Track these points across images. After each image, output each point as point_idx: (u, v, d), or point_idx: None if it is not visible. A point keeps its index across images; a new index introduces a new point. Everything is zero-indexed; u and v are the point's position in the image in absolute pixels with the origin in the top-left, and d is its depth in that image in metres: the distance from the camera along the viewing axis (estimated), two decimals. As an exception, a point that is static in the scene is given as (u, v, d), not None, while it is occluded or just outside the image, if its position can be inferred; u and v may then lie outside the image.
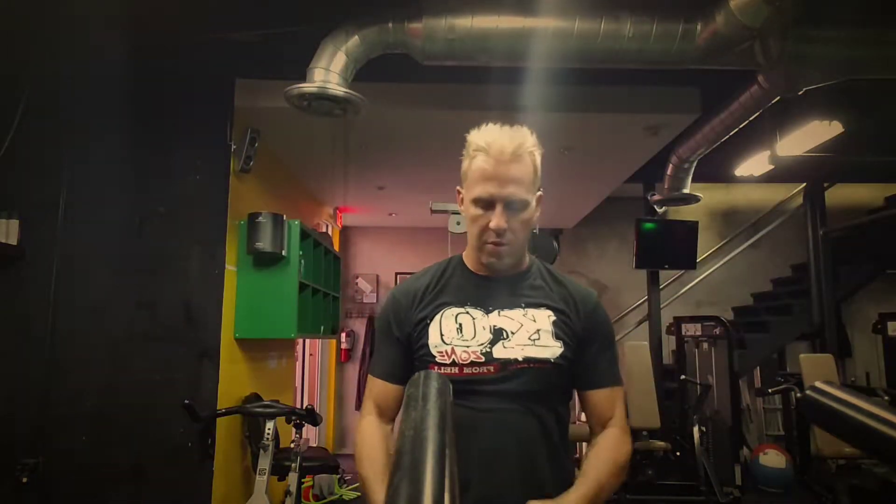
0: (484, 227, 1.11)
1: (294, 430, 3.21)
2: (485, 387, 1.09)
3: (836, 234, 5.35)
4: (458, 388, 0.99)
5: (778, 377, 5.20)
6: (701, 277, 6.23)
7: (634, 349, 4.73)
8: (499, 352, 1.10)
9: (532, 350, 1.10)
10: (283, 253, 3.31)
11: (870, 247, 5.54)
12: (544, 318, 1.14)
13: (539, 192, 1.16)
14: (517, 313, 1.14)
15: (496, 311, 1.14)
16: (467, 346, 1.11)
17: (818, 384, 0.55)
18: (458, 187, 1.21)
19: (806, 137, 3.93)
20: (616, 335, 6.23)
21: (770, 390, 4.33)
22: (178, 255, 3.04)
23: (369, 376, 1.25)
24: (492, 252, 1.13)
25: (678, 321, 5.27)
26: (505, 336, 1.12)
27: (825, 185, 5.49)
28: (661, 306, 5.48)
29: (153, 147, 3.11)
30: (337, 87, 2.50)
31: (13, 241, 2.92)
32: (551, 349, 1.11)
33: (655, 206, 4.89)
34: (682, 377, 4.81)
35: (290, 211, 3.91)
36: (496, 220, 1.08)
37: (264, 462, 2.70)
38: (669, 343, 5.52)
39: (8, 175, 2.97)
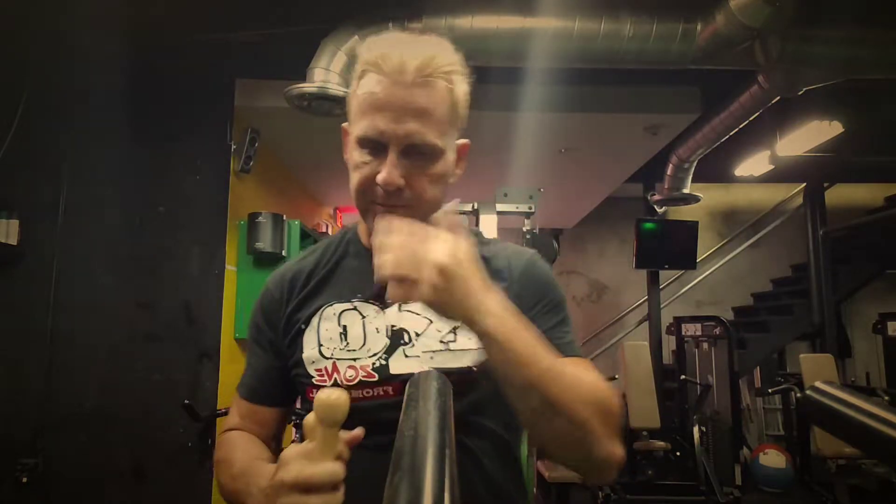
0: (369, 180, 0.76)
1: (294, 430, 3.20)
2: (382, 415, 0.72)
3: (836, 234, 5.35)
4: (344, 423, 0.68)
5: (778, 377, 5.20)
6: (701, 277, 6.23)
7: (634, 349, 4.74)
8: (398, 364, 0.79)
9: (444, 358, 0.79)
10: (283, 253, 3.31)
11: (870, 247, 5.54)
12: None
13: (462, 140, 0.83)
14: (423, 306, 0.75)
15: (396, 306, 0.82)
16: (354, 360, 0.80)
17: (818, 384, 0.55)
18: (343, 125, 0.85)
19: (806, 137, 3.93)
20: (616, 335, 6.27)
21: (770, 390, 4.33)
22: (178, 255, 3.04)
23: (234, 394, 0.94)
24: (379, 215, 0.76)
25: (678, 321, 5.27)
26: (406, 340, 0.81)
27: (825, 185, 5.49)
28: (661, 306, 5.49)
29: (153, 147, 3.11)
30: (337, 87, 2.51)
31: (13, 241, 2.91)
32: (472, 353, 0.79)
33: (655, 206, 4.89)
34: (682, 377, 4.81)
35: (290, 211, 3.91)
36: (385, 171, 0.73)
37: (264, 462, 2.70)
38: (669, 343, 5.52)
39: (8, 175, 2.97)
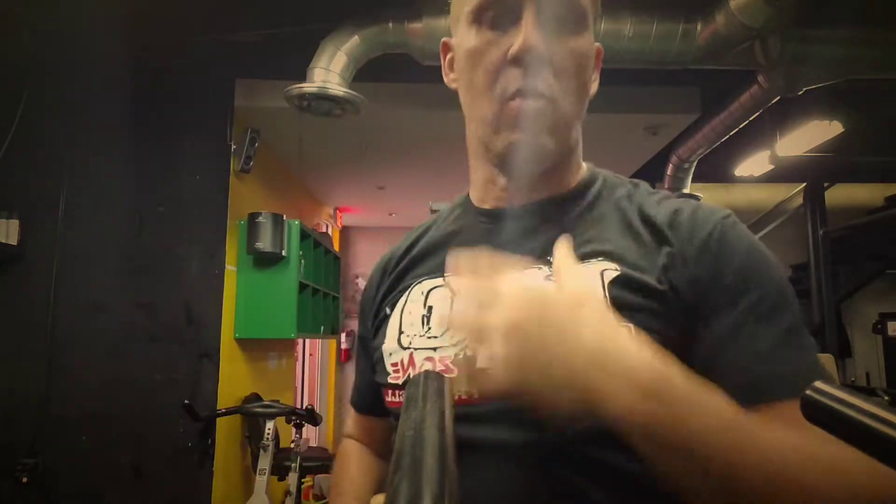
0: (499, 61, 0.58)
1: (294, 430, 3.21)
2: (473, 432, 0.54)
3: (836, 234, 5.35)
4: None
5: (778, 377, 5.19)
6: (701, 277, 6.22)
7: (634, 349, 4.72)
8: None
9: None
10: (283, 253, 3.31)
11: (870, 247, 5.54)
12: (591, 276, 0.57)
13: (598, 44, 0.66)
14: (536, 274, 0.59)
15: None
16: (434, 349, 0.61)
17: (818, 384, 0.55)
18: (443, 40, 0.70)
19: (806, 137, 3.93)
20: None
21: (770, 390, 4.32)
22: (178, 255, 3.04)
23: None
24: (517, 116, 0.58)
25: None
26: None
27: (825, 185, 5.49)
28: (661, 306, 5.48)
29: (153, 147, 3.11)
30: (337, 87, 2.50)
31: (13, 241, 2.92)
32: None
33: (655, 206, 4.89)
34: (682, 377, 4.81)
35: (290, 211, 3.91)
36: (522, 35, 0.56)
37: (264, 462, 2.70)
38: (669, 343, 5.52)
39: (8, 175, 2.97)
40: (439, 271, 0.65)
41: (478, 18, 0.59)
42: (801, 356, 0.52)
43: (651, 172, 4.57)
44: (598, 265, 0.57)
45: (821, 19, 2.50)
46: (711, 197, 6.18)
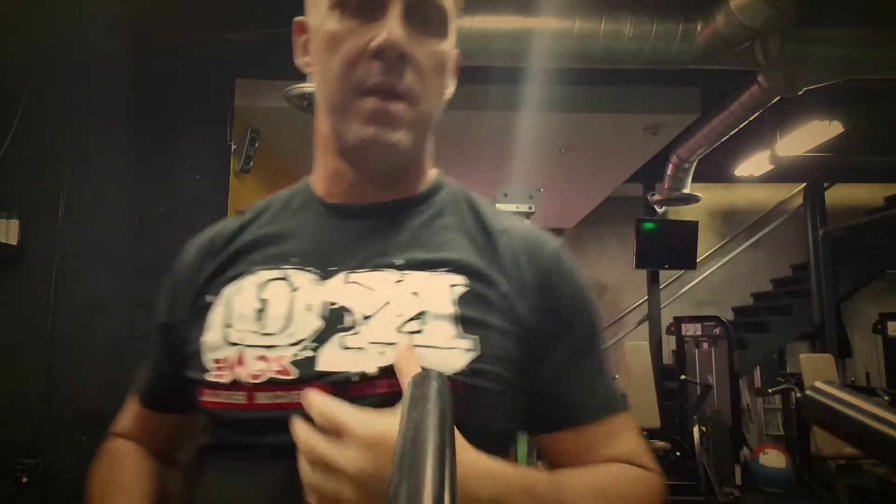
0: (359, 52, 0.55)
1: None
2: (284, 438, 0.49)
3: (836, 234, 5.35)
4: (242, 437, 0.55)
5: (778, 377, 5.20)
6: (701, 277, 6.23)
7: (634, 349, 4.74)
8: (331, 359, 0.54)
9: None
10: (283, 253, 3.31)
11: (870, 247, 5.54)
12: (440, 288, 0.56)
13: (456, 49, 0.64)
14: (382, 278, 0.57)
15: (342, 274, 0.58)
16: (269, 347, 0.55)
17: (818, 384, 0.55)
18: (296, 19, 0.66)
19: (806, 137, 3.93)
20: (616, 335, 6.27)
21: (770, 390, 4.33)
22: (178, 255, 3.03)
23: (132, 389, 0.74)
24: (374, 113, 0.56)
25: (678, 321, 5.27)
26: (348, 325, 0.55)
27: (825, 185, 5.49)
28: (662, 306, 5.49)
29: (153, 147, 3.11)
30: (337, 87, 2.51)
31: (13, 241, 2.92)
32: (448, 353, 0.53)
33: (655, 206, 4.90)
34: (682, 377, 4.81)
35: (290, 211, 3.91)
36: (387, 29, 0.54)
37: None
38: (669, 343, 5.52)
39: (8, 175, 2.97)
40: (278, 262, 0.60)
41: (341, 3, 0.56)
42: (611, 381, 0.62)
43: (651, 172, 4.58)
44: (446, 277, 0.57)
45: (821, 19, 2.51)
46: (711, 197, 6.19)
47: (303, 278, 0.58)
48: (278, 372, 0.54)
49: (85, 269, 2.98)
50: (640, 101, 3.35)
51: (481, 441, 0.50)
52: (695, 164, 4.13)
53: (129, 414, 0.73)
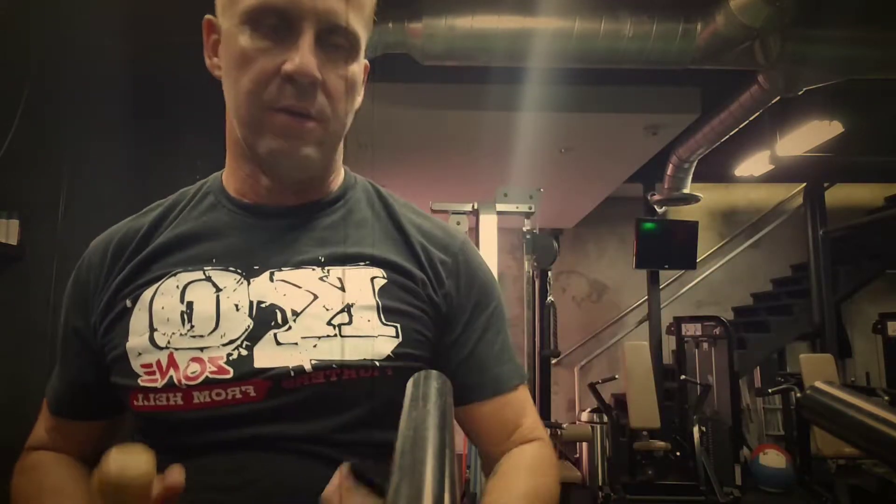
0: (268, 75, 0.56)
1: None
2: (241, 431, 0.55)
3: (836, 234, 5.35)
4: (183, 438, 0.56)
5: (778, 377, 5.20)
6: (701, 277, 6.23)
7: (634, 349, 4.74)
8: (267, 355, 0.56)
9: (333, 346, 0.57)
10: (283, 253, 3.32)
11: (870, 247, 5.54)
12: (362, 281, 0.60)
13: (365, 60, 0.65)
14: (307, 275, 0.60)
15: (266, 273, 0.60)
16: (201, 349, 0.56)
17: (818, 384, 0.55)
18: (206, 17, 0.66)
19: (806, 137, 3.93)
20: (616, 335, 6.27)
21: (770, 390, 4.34)
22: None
23: (44, 401, 0.73)
24: (285, 129, 0.57)
25: (678, 321, 5.28)
26: (279, 322, 0.57)
27: (825, 185, 5.49)
28: (661, 306, 5.49)
29: (153, 147, 3.11)
30: (337, 87, 2.51)
31: (13, 241, 2.92)
32: (374, 341, 0.58)
33: (655, 206, 4.90)
34: (682, 377, 4.82)
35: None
36: (300, 55, 0.55)
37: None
38: (669, 343, 5.53)
39: (8, 175, 2.97)
40: (197, 264, 0.61)
41: (253, 22, 0.56)
42: (513, 357, 0.69)
43: (651, 172, 4.58)
44: (366, 270, 0.62)
45: (821, 19, 2.51)
46: (711, 197, 6.20)
47: (226, 279, 0.59)
48: (214, 372, 0.55)
49: (85, 269, 2.98)
50: (640, 101, 3.35)
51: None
52: (695, 164, 4.13)
53: (44, 426, 0.73)
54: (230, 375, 0.55)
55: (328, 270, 0.61)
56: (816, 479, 4.32)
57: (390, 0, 2.53)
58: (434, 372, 0.47)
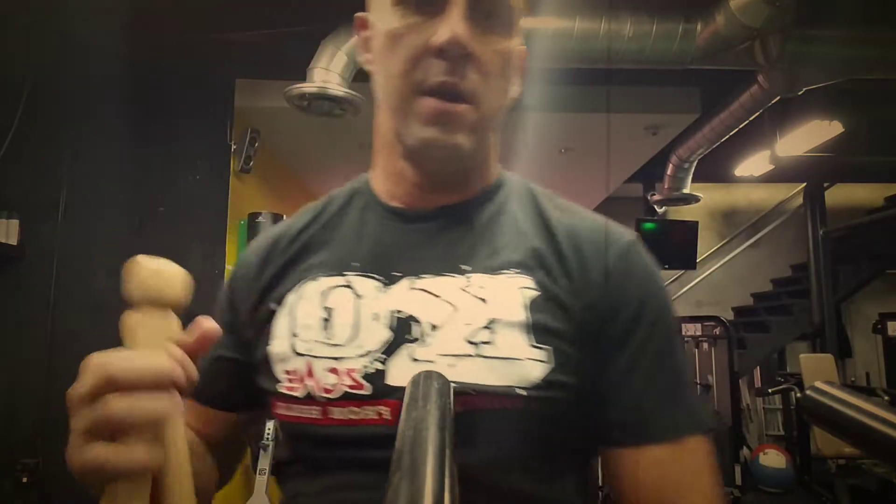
0: (421, 50, 0.53)
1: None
2: (373, 452, 0.50)
3: (836, 234, 5.35)
4: (319, 452, 0.54)
5: (778, 377, 5.20)
6: (701, 277, 6.23)
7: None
8: (400, 371, 0.52)
9: (472, 368, 0.51)
10: (283, 253, 3.31)
11: (870, 247, 5.54)
12: (508, 293, 0.54)
13: (522, 46, 0.61)
14: (448, 283, 0.55)
15: (406, 280, 0.56)
16: (337, 358, 0.54)
17: (818, 384, 0.55)
18: (358, 15, 0.63)
19: (806, 137, 3.93)
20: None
21: (770, 390, 4.33)
22: (178, 255, 3.00)
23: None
24: (436, 113, 0.53)
25: (678, 321, 5.26)
26: (416, 336, 0.53)
27: (825, 185, 5.49)
28: (661, 306, 5.48)
29: (153, 147, 3.11)
30: (337, 87, 2.51)
31: (13, 241, 2.92)
32: (521, 365, 0.51)
33: (655, 206, 4.89)
34: (682, 377, 4.80)
35: (290, 211, 3.90)
36: (448, 25, 0.51)
37: (264, 462, 2.71)
38: (669, 343, 5.52)
39: (8, 175, 2.97)
40: (339, 268, 0.59)
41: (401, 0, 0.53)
42: (687, 396, 0.55)
43: (651, 172, 4.57)
44: (514, 279, 0.55)
45: (821, 19, 2.50)
46: (711, 197, 6.19)
47: (367, 285, 0.57)
48: (351, 386, 0.52)
49: (85, 269, 2.98)
50: (640, 101, 3.35)
51: (561, 457, 0.51)
52: (695, 164, 4.13)
53: (188, 410, 0.68)
54: (367, 392, 0.52)
55: (471, 279, 0.54)
56: (816, 479, 4.32)
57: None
58: (434, 372, 0.46)
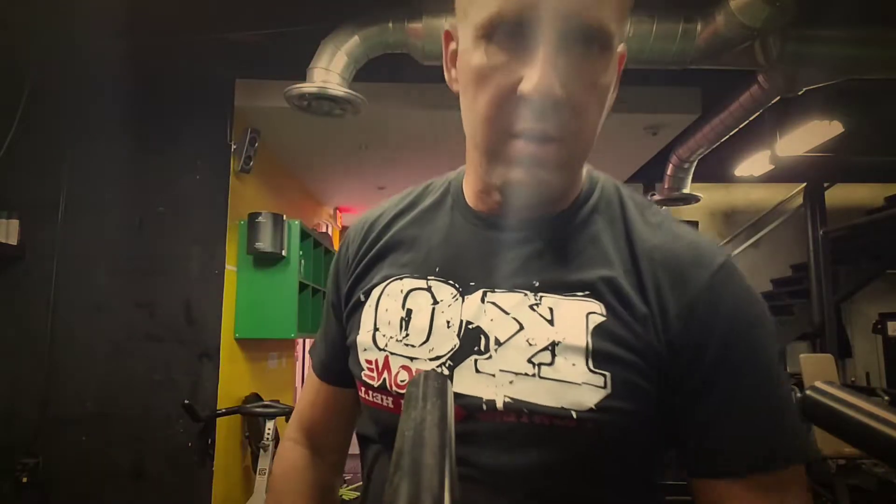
0: (505, 93, 0.51)
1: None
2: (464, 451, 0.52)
3: (836, 234, 5.35)
4: (390, 439, 0.56)
5: (778, 377, 5.19)
6: (701, 277, 6.22)
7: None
8: (464, 381, 0.55)
9: (529, 387, 0.53)
10: (283, 253, 3.31)
11: (870, 247, 5.54)
12: (575, 316, 0.54)
13: (622, 47, 0.58)
14: (518, 300, 0.56)
15: (480, 291, 0.58)
16: (411, 358, 0.58)
17: (818, 384, 0.55)
18: (446, 29, 0.61)
19: (806, 137, 3.93)
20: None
21: (770, 390, 4.31)
22: (178, 255, 3.04)
23: (309, 370, 0.77)
24: (526, 157, 0.52)
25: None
26: (481, 348, 0.56)
27: (825, 185, 5.49)
28: (661, 306, 5.48)
29: (153, 147, 3.11)
30: (337, 87, 2.51)
31: (13, 241, 2.92)
32: (577, 389, 0.52)
33: (655, 206, 4.89)
34: (682, 377, 4.80)
35: (290, 211, 3.91)
36: (537, 71, 0.48)
37: (264, 462, 2.71)
38: (669, 343, 5.52)
39: (8, 175, 2.97)
40: (422, 270, 0.61)
41: (487, 35, 0.50)
42: (780, 425, 0.53)
43: (651, 172, 4.57)
44: (583, 303, 0.54)
45: (821, 19, 2.50)
46: (711, 197, 6.19)
47: (444, 291, 0.60)
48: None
49: (85, 269, 2.98)
50: (640, 101, 3.35)
51: (616, 474, 0.54)
52: (695, 164, 4.12)
53: (308, 393, 0.76)
54: None
55: (541, 297, 0.55)
56: (816, 479, 4.32)
57: (390, 0, 2.53)
58: (434, 372, 0.47)
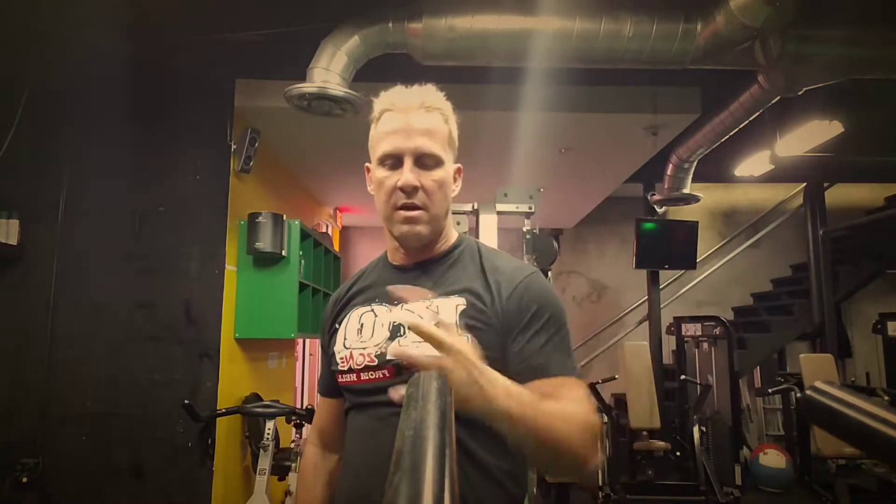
0: (392, 189, 0.97)
1: (294, 430, 3.21)
2: (380, 396, 0.88)
3: (836, 234, 5.35)
4: (357, 399, 1.00)
5: (778, 377, 5.20)
6: (701, 277, 6.23)
7: (634, 349, 4.74)
8: (393, 349, 0.91)
9: (424, 348, 0.81)
10: (283, 253, 3.31)
11: (870, 247, 5.54)
12: (450, 308, 0.96)
13: (457, 165, 1.05)
14: (422, 305, 0.95)
15: (400, 305, 0.99)
16: (363, 348, 0.99)
17: (818, 384, 0.55)
18: (366, 164, 1.10)
19: (806, 137, 3.93)
20: (616, 335, 6.27)
21: (770, 390, 4.33)
22: (178, 255, 3.04)
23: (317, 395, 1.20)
24: (404, 219, 0.98)
25: (678, 321, 5.27)
26: (402, 333, 0.97)
27: (825, 185, 5.49)
28: (661, 306, 5.49)
29: (153, 147, 3.11)
30: (337, 87, 2.51)
31: (13, 241, 2.92)
32: None
33: (655, 206, 4.89)
34: (682, 377, 4.81)
35: (290, 211, 3.91)
36: (405, 175, 0.95)
37: (264, 462, 2.70)
38: (669, 343, 5.53)
39: (8, 175, 2.97)
40: (368, 302, 1.05)
41: (382, 162, 0.99)
42: (560, 356, 0.94)
43: (651, 172, 4.58)
44: (454, 300, 0.96)
45: (821, 19, 2.51)
46: (711, 197, 6.19)
47: (381, 309, 1.03)
48: (369, 362, 0.98)
49: (85, 269, 2.98)
50: (640, 101, 3.35)
51: None
52: (695, 164, 4.12)
53: (319, 409, 1.20)
54: (375, 364, 0.97)
55: (433, 302, 0.95)
56: (816, 479, 4.32)
57: (390, 0, 2.53)
58: (434, 372, 0.47)
